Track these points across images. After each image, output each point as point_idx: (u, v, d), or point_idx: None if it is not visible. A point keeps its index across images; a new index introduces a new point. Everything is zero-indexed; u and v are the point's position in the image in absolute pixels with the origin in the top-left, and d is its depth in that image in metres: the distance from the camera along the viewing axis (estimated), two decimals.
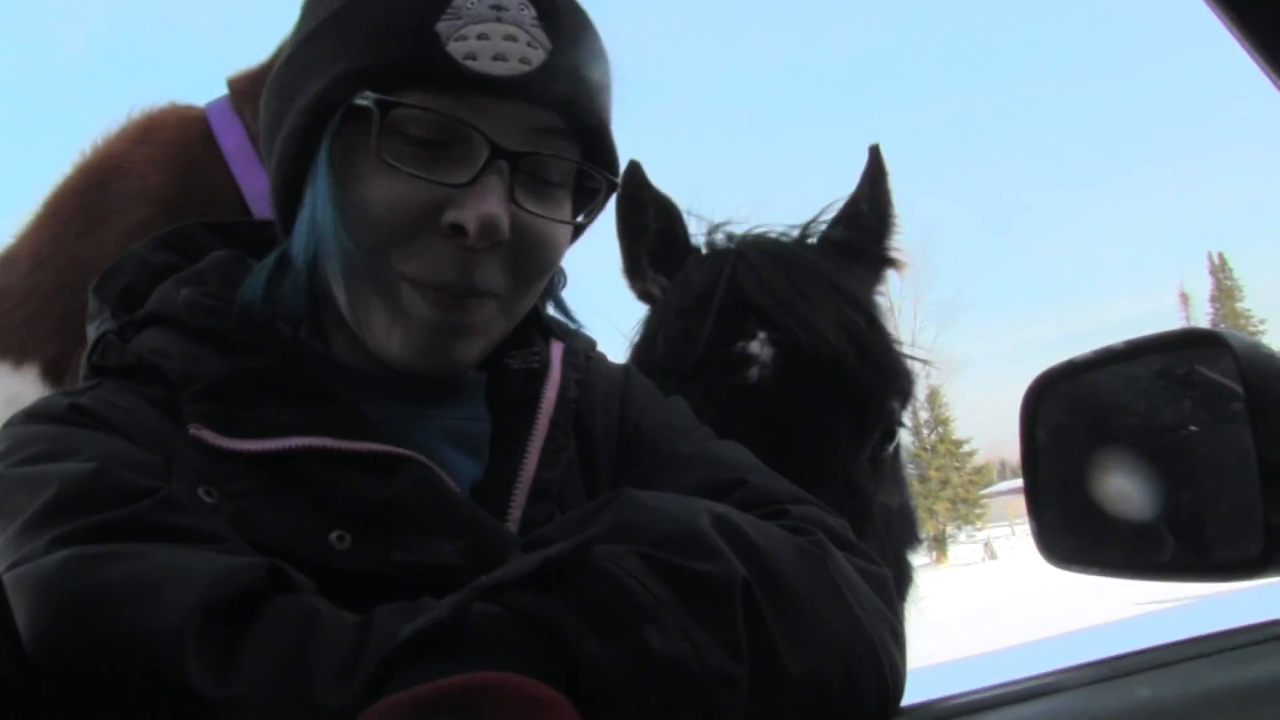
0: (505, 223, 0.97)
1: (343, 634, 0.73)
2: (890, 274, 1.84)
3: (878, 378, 1.60)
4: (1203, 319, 73.67)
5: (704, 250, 1.79)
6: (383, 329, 1.03)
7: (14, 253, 1.91)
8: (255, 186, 1.83)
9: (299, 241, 1.06)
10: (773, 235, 1.77)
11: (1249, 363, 1.00)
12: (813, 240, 1.79)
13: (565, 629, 0.73)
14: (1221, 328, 1.22)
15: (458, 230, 0.97)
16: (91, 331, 1.13)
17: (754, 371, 1.56)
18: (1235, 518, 1.03)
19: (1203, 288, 75.53)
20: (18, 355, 1.77)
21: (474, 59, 0.95)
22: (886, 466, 1.68)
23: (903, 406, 1.66)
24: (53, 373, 1.77)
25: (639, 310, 1.85)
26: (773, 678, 0.79)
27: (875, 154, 1.85)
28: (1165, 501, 1.11)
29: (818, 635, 0.84)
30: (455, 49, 0.95)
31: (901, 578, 1.67)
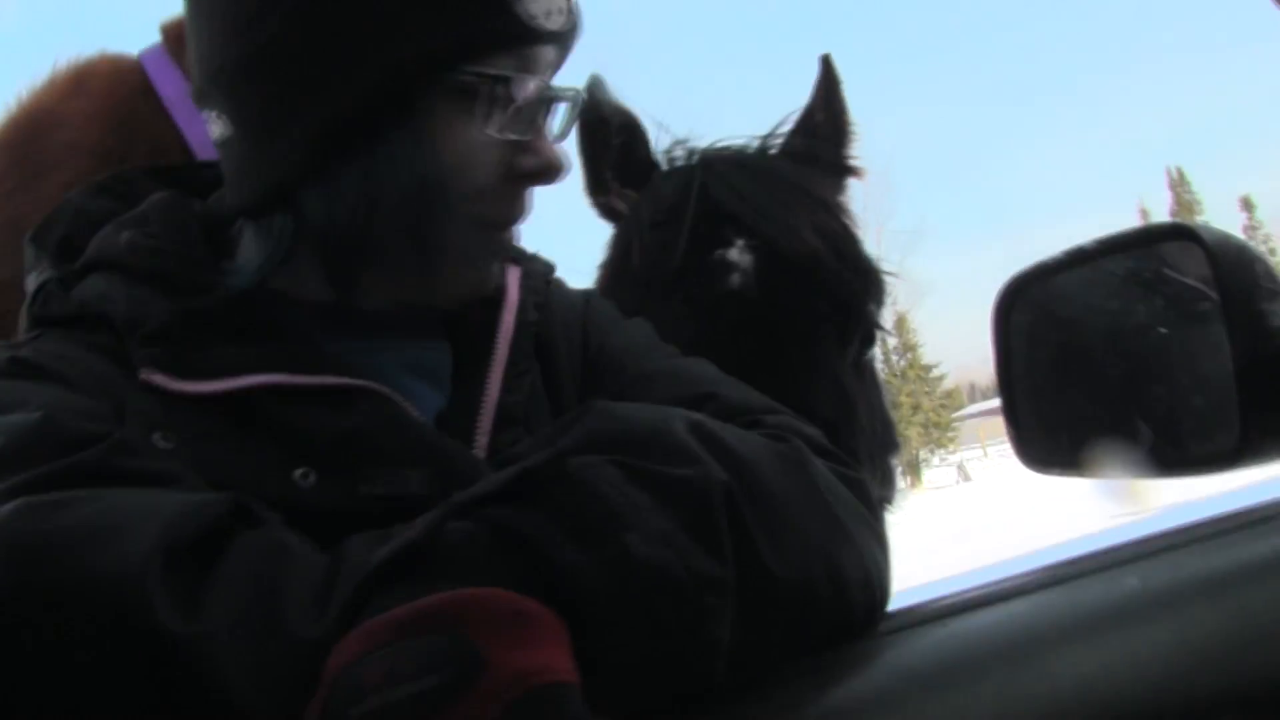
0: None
1: (313, 565, 0.72)
2: (851, 185, 1.84)
3: (858, 280, 1.60)
4: None
5: (666, 165, 1.77)
6: (449, 272, 1.05)
7: None
8: (199, 135, 1.78)
9: (342, 204, 1.00)
10: (735, 147, 1.75)
11: (1220, 255, 0.99)
12: (774, 152, 1.78)
13: (543, 540, 0.72)
14: (1190, 221, 1.22)
15: (530, 176, 1.04)
16: (30, 282, 1.09)
17: (735, 278, 1.55)
18: (1210, 411, 1.04)
19: (1162, 203, 76.22)
20: None
21: (539, 17, 0.99)
22: (867, 371, 1.69)
23: (879, 310, 1.66)
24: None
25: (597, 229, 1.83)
26: (758, 583, 0.78)
27: (827, 63, 1.83)
28: (1140, 399, 1.12)
29: (802, 540, 0.83)
30: (522, 10, 0.98)
31: (887, 483, 1.68)
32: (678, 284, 1.55)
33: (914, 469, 51.72)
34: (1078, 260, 1.14)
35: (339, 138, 0.99)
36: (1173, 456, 1.09)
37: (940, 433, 54.88)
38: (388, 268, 1.05)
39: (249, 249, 1.07)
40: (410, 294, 1.07)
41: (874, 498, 0.99)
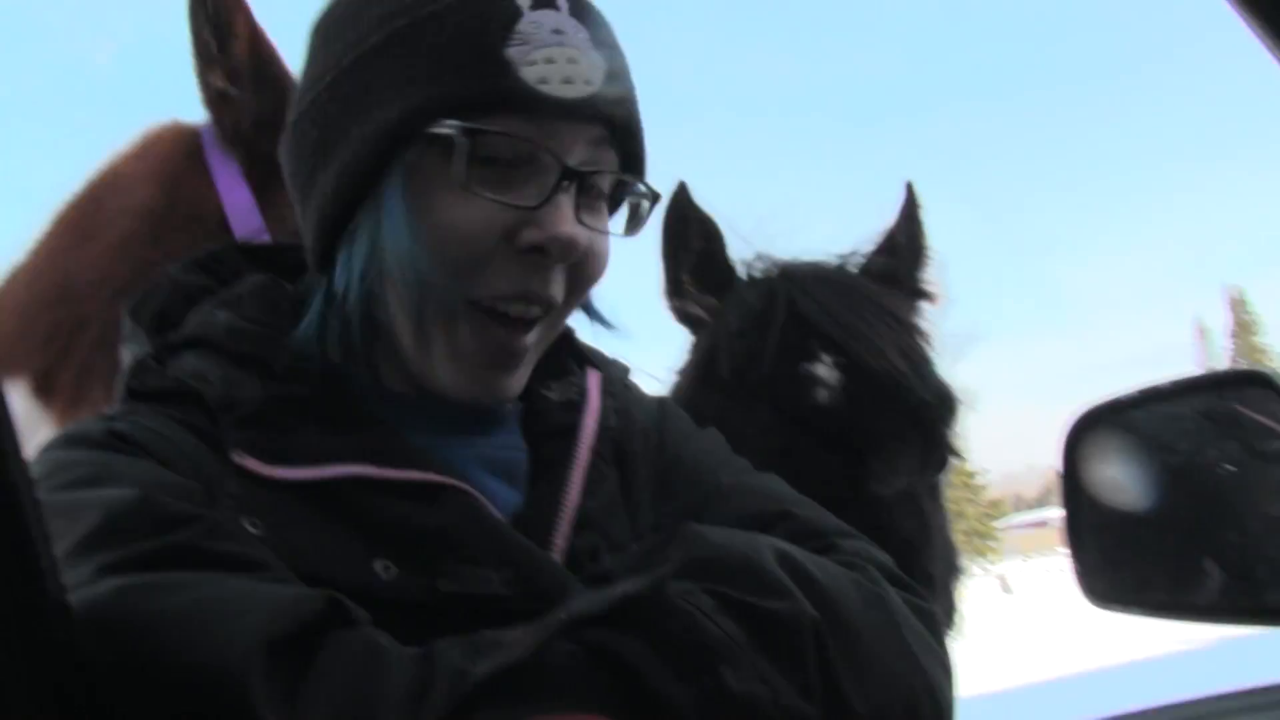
0: (582, 240, 0.99)
1: (406, 669, 0.73)
2: (923, 305, 1.87)
3: (939, 403, 1.62)
4: (1220, 354, 73.25)
5: (746, 274, 1.81)
6: (439, 357, 1.03)
7: (18, 270, 1.93)
8: (235, 202, 1.85)
9: (353, 271, 1.04)
10: (816, 261, 1.80)
11: None
12: (853, 269, 1.82)
13: (645, 668, 0.73)
14: (1268, 368, 1.21)
15: (535, 250, 0.98)
16: (126, 354, 1.12)
17: (822, 393, 1.57)
18: None
19: (1220, 322, 75.16)
20: (6, 368, 1.77)
21: (545, 83, 0.96)
22: (940, 495, 1.70)
23: (953, 429, 1.68)
24: (42, 388, 1.77)
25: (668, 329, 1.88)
26: (840, 718, 0.79)
27: (910, 190, 1.89)
28: (1211, 541, 1.11)
29: (880, 674, 0.84)
30: (528, 74, 0.96)
31: (950, 609, 1.67)
32: (764, 393, 1.56)
33: None
34: (1151, 398, 1.15)
35: (347, 199, 1.03)
36: (1245, 604, 1.08)
37: (982, 542, 53.76)
38: (396, 343, 1.06)
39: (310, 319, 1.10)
40: (425, 380, 1.05)
41: (941, 627, 0.99)
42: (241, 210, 1.82)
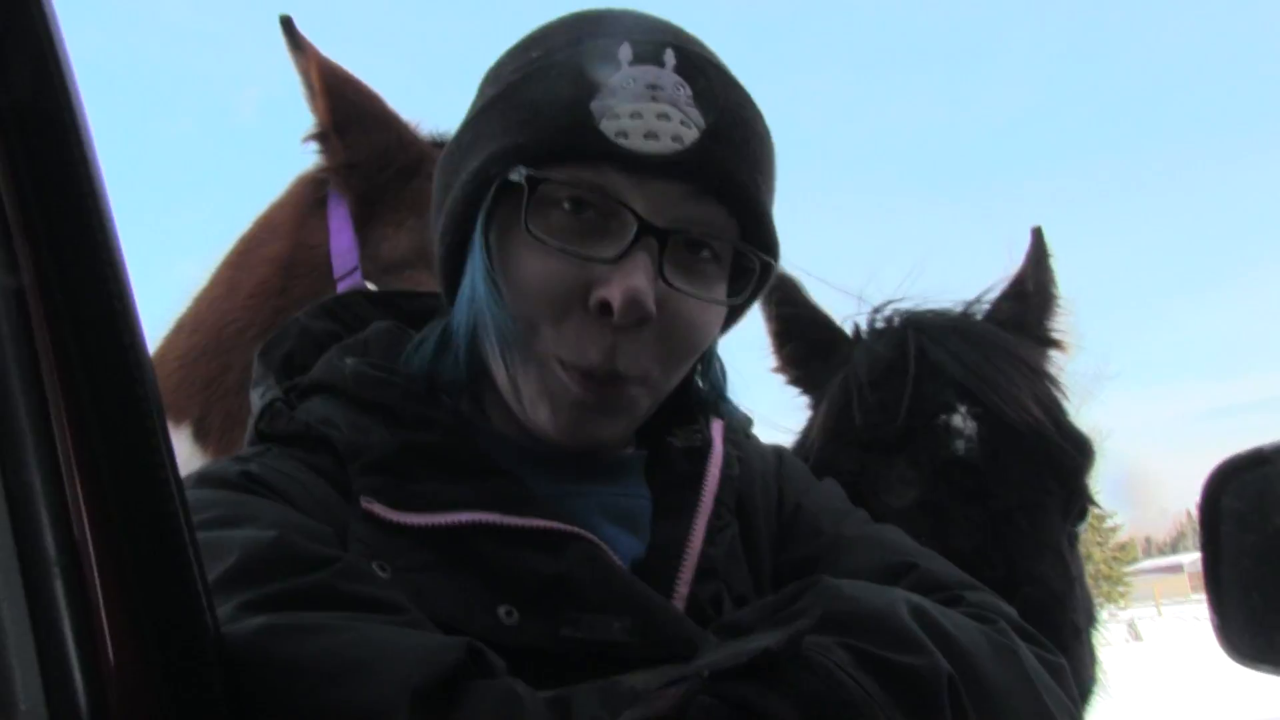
0: (650, 299, 0.96)
1: (545, 717, 0.74)
2: (1053, 353, 1.85)
3: (1077, 453, 1.61)
4: None
5: (870, 324, 1.80)
6: (531, 403, 1.04)
7: (181, 320, 2.03)
8: (340, 244, 1.91)
9: (460, 314, 1.09)
10: (942, 310, 1.79)
11: None
12: (979, 317, 1.81)
13: None
14: None
15: (605, 309, 0.97)
16: (255, 397, 1.16)
17: (960, 444, 1.56)
18: None
19: None
20: (175, 415, 1.86)
21: (625, 136, 0.96)
22: (1078, 544, 1.67)
23: (1088, 478, 1.66)
24: (200, 433, 1.85)
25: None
26: None
27: (1038, 235, 1.87)
28: None
29: None
30: (607, 126, 0.96)
31: (1093, 659, 1.63)
32: (902, 445, 1.56)
33: None
34: None
35: (453, 242, 1.07)
36: None
37: (1111, 586, 51.60)
38: (495, 386, 1.08)
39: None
40: (527, 424, 1.06)
41: (1071, 682, 0.97)
42: (343, 251, 1.90)
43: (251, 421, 1.14)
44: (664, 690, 0.75)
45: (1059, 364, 1.81)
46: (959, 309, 1.79)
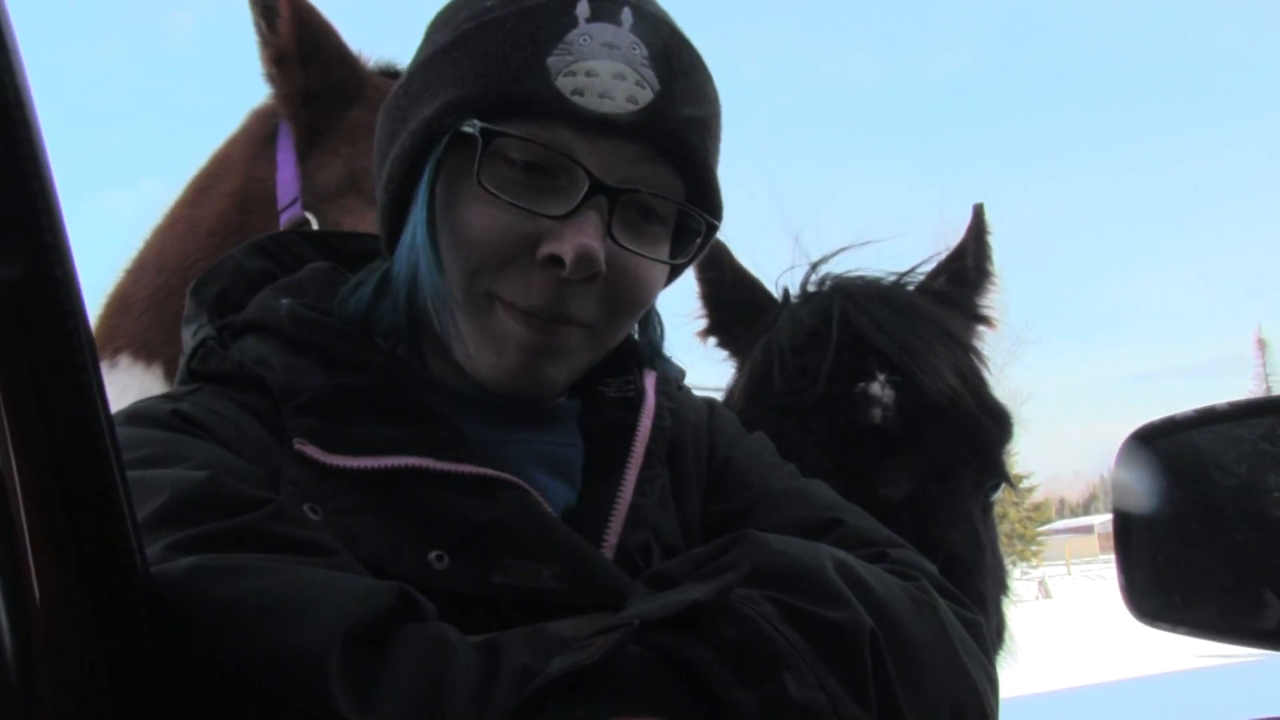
0: (601, 256, 0.97)
1: (474, 664, 0.75)
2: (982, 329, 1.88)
3: (994, 424, 1.65)
4: None
5: (800, 289, 1.82)
6: (475, 348, 1.05)
7: (142, 260, 1.99)
8: (284, 175, 1.90)
9: (400, 261, 1.08)
10: (873, 278, 1.81)
11: None
12: (911, 287, 1.84)
13: (710, 673, 0.75)
14: None
15: (554, 261, 0.98)
16: (188, 335, 1.15)
17: (878, 412, 1.60)
18: None
19: None
20: (149, 356, 1.84)
21: (581, 94, 0.96)
22: (990, 515, 1.71)
23: (1006, 450, 1.71)
24: (172, 371, 1.83)
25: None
26: None
27: (979, 212, 1.90)
28: (1268, 569, 1.10)
29: (931, 684, 0.86)
30: (563, 84, 0.97)
31: (1001, 625, 1.70)
32: (820, 410, 1.58)
33: None
34: (1210, 419, 1.15)
35: (399, 190, 1.06)
36: None
37: (1024, 545, 53.16)
38: (436, 334, 1.08)
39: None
40: (468, 370, 1.07)
41: (987, 638, 1.00)
42: (286, 183, 1.88)
43: (184, 360, 1.13)
44: (593, 639, 0.76)
45: (986, 340, 1.85)
46: (891, 278, 1.82)
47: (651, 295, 1.08)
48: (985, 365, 1.75)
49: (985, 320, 1.89)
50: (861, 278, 1.80)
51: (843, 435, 1.57)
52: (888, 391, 1.61)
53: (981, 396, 1.65)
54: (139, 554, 0.66)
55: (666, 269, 1.09)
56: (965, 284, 1.87)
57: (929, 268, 1.87)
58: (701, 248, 1.10)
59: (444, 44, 1.05)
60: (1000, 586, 1.70)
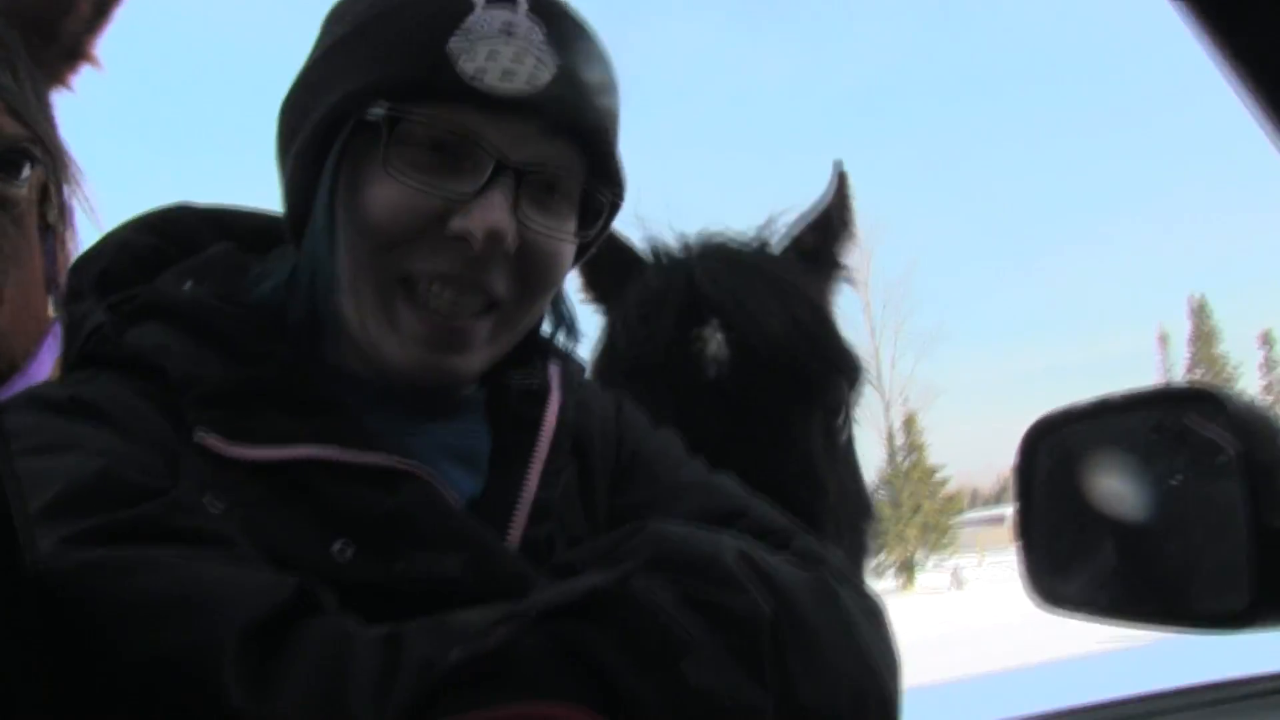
0: (510, 233, 0.99)
1: (374, 656, 0.74)
2: (846, 288, 2.02)
3: (823, 366, 1.74)
4: (1180, 361, 74.27)
5: (654, 257, 1.89)
6: (381, 334, 1.04)
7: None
8: None
9: (306, 250, 1.08)
10: (728, 240, 1.91)
11: (1244, 422, 1.03)
12: (772, 245, 1.94)
13: (607, 661, 0.76)
14: (1217, 386, 1.25)
15: (462, 240, 0.99)
16: (74, 314, 1.13)
17: (712, 367, 1.69)
18: (1222, 571, 1.06)
19: (1182, 330, 76.09)
20: None
21: (482, 76, 0.98)
22: (841, 450, 1.81)
23: (852, 392, 1.82)
24: None
25: None
26: (789, 711, 0.82)
27: (842, 173, 2.01)
28: (1155, 551, 1.14)
29: (829, 669, 0.88)
30: (464, 67, 0.98)
31: (857, 549, 1.81)
32: (662, 370, 1.66)
33: (908, 570, 51.13)
34: (1103, 410, 1.19)
35: (303, 181, 1.06)
36: (1181, 612, 1.12)
37: (938, 536, 54.30)
38: (346, 321, 1.07)
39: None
40: (375, 360, 1.07)
41: (886, 621, 1.02)
42: None
43: (74, 343, 1.10)
44: (493, 628, 0.76)
45: (844, 292, 1.96)
46: (749, 238, 1.91)
47: (561, 271, 1.09)
48: (829, 312, 1.86)
49: (845, 272, 2.00)
50: (721, 239, 1.89)
51: (681, 390, 1.64)
52: (721, 344, 1.69)
53: (819, 342, 1.74)
54: (27, 549, 0.64)
55: (574, 246, 1.10)
56: (829, 239, 1.97)
57: (793, 221, 1.97)
58: (606, 223, 1.12)
59: (342, 35, 1.05)
60: (859, 514, 1.82)
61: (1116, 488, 1.20)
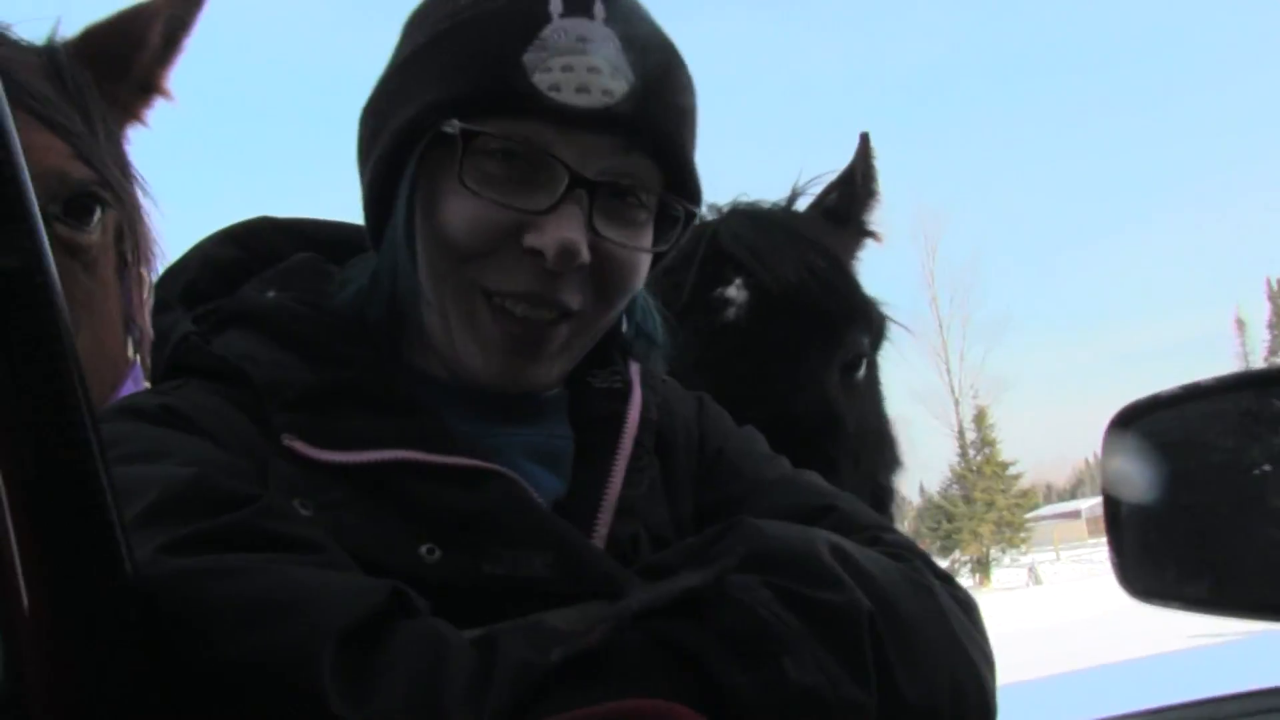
0: (583, 248, 0.99)
1: (470, 656, 0.75)
2: (871, 244, 2.17)
3: (837, 307, 1.87)
4: (1259, 346, 72.26)
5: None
6: (461, 346, 1.05)
7: None
8: None
9: (385, 256, 1.09)
10: (755, 204, 2.06)
11: None
12: (799, 207, 2.08)
13: (709, 659, 0.76)
14: None
15: (537, 254, 0.99)
16: (160, 325, 1.15)
17: (731, 311, 1.85)
18: None
19: (1259, 313, 74.07)
20: None
21: (557, 90, 0.98)
22: (860, 390, 1.94)
23: (869, 337, 1.96)
24: None
25: None
26: (892, 707, 0.82)
27: (865, 139, 2.13)
28: (1253, 540, 1.11)
29: (929, 664, 0.87)
30: (540, 80, 0.98)
31: (883, 495, 1.95)
32: (685, 316, 1.75)
33: (984, 567, 50.39)
34: (1193, 395, 1.15)
35: (383, 189, 1.07)
36: (1278, 601, 1.08)
37: (1013, 532, 53.40)
38: (428, 328, 1.09)
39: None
40: (456, 366, 1.08)
41: (980, 616, 1.01)
42: None
43: (162, 353, 1.13)
44: (592, 628, 0.77)
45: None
46: (778, 200, 2.07)
47: (636, 280, 1.09)
48: (843, 262, 2.01)
49: (870, 233, 2.15)
50: (743, 203, 2.04)
51: (703, 335, 1.78)
52: (740, 292, 1.85)
53: (826, 283, 1.87)
54: (127, 557, 0.66)
55: (650, 257, 1.10)
56: (854, 200, 2.11)
57: (818, 187, 2.12)
58: (683, 234, 1.11)
59: (421, 44, 1.06)
60: (885, 464, 1.98)
61: (1209, 475, 1.16)
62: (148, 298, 1.45)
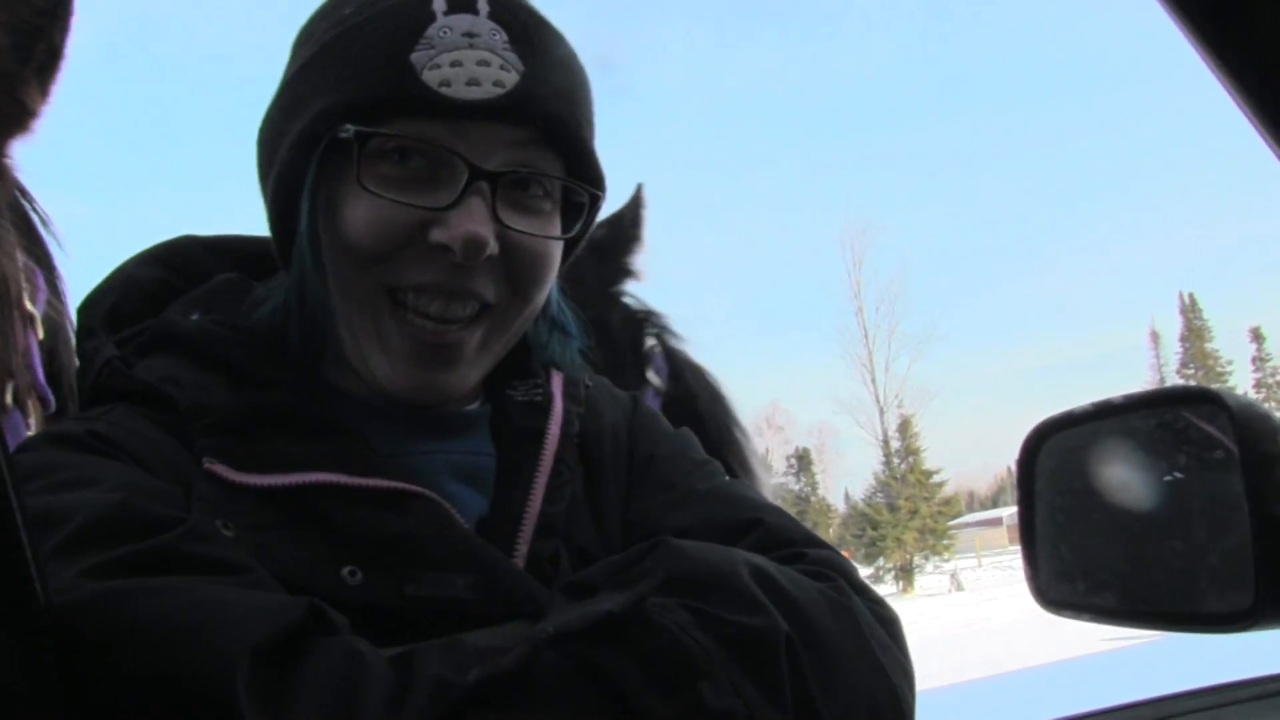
0: (490, 239, 1.00)
1: (387, 676, 0.74)
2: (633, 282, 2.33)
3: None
4: (1172, 358, 74.50)
5: None
6: (371, 352, 1.05)
7: None
8: None
9: (294, 272, 1.09)
10: None
11: (1243, 421, 1.03)
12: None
13: (627, 683, 0.76)
14: (1216, 387, 1.26)
15: (445, 249, 1.00)
16: (85, 351, 1.13)
17: None
18: (1226, 569, 1.07)
19: (1173, 327, 76.29)
20: None
21: (448, 85, 0.98)
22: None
23: None
24: None
25: None
26: None
27: (639, 190, 2.34)
28: (1158, 552, 1.15)
29: (847, 684, 0.88)
30: (430, 77, 0.98)
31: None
32: None
33: (908, 574, 51.13)
34: (1105, 412, 1.19)
35: (284, 204, 1.07)
36: (1186, 612, 1.12)
37: (936, 539, 54.30)
38: (339, 341, 1.08)
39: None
40: (368, 379, 1.08)
41: (901, 631, 1.02)
42: None
43: (86, 379, 1.11)
44: (510, 648, 0.76)
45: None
46: None
47: (549, 271, 1.10)
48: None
49: (630, 271, 2.33)
50: None
51: None
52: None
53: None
54: (40, 586, 0.64)
55: (561, 245, 1.11)
56: (617, 239, 2.28)
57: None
58: (590, 219, 1.12)
59: (308, 56, 1.06)
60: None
61: (1118, 488, 1.20)
62: (39, 338, 1.35)
